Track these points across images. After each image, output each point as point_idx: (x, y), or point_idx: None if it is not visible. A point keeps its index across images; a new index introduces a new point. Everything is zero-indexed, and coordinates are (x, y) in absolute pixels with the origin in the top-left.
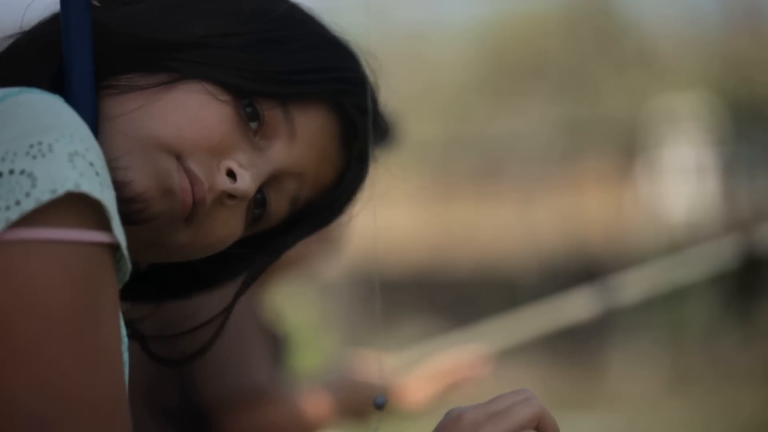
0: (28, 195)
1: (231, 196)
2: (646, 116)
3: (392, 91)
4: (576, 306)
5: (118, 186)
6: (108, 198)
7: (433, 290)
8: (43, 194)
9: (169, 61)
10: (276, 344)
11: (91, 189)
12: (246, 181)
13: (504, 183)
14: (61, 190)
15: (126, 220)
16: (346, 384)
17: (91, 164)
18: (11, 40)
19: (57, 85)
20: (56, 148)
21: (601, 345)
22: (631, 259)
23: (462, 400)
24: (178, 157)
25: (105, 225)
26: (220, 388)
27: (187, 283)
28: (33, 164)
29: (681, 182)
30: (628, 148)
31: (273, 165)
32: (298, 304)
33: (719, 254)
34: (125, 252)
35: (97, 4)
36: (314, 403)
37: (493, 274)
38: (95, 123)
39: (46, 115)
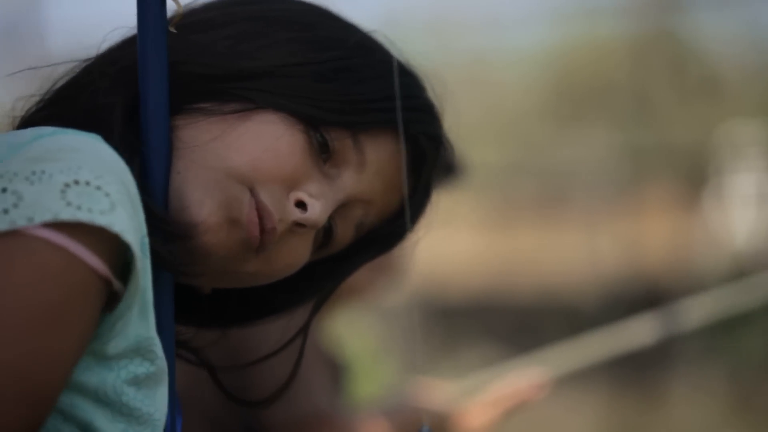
0: (5, 212)
1: (301, 224)
2: (711, 144)
3: (455, 116)
4: (637, 332)
5: (186, 213)
6: (123, 226)
7: (494, 317)
8: (19, 219)
9: (243, 90)
10: (336, 371)
11: (85, 217)
12: (316, 211)
13: (566, 210)
14: (37, 220)
15: (191, 250)
16: (405, 411)
17: (99, 188)
18: (84, 65)
19: (130, 112)
20: (55, 177)
21: (663, 373)
22: (693, 287)
23: (521, 425)
24: (251, 189)
25: (100, 251)
26: (281, 414)
27: (253, 309)
28: (26, 187)
29: (745, 209)
30: (691, 176)
31: (343, 194)
32: (357, 331)
33: None
34: (116, 285)
35: (173, 30)
36: (373, 430)
37: (554, 301)
38: (169, 151)
39: (66, 148)
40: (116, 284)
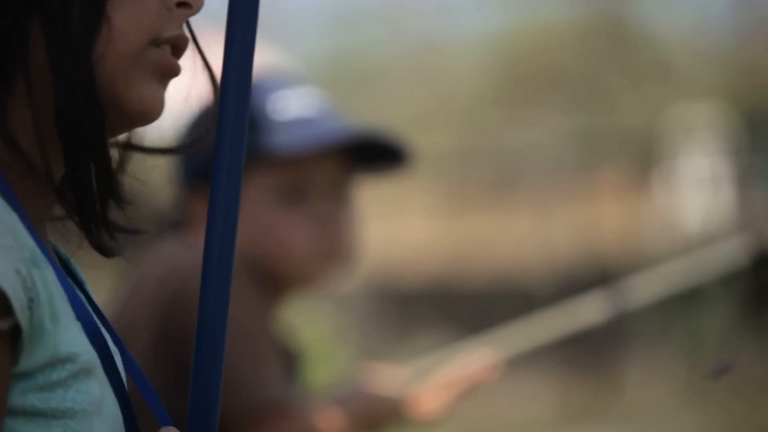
0: None
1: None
2: (662, 126)
3: (407, 103)
4: (589, 310)
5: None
6: (9, 284)
7: (448, 301)
8: None
9: None
10: (290, 360)
11: None
12: None
13: (519, 194)
14: None
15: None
16: (361, 398)
17: None
18: None
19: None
20: None
21: (618, 354)
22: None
23: (476, 408)
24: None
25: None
26: (235, 405)
27: None
28: None
29: (696, 192)
30: (643, 159)
31: None
32: (311, 318)
33: (732, 254)
34: (19, 320)
35: None
36: (329, 418)
37: (509, 285)
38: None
39: None
40: (18, 319)
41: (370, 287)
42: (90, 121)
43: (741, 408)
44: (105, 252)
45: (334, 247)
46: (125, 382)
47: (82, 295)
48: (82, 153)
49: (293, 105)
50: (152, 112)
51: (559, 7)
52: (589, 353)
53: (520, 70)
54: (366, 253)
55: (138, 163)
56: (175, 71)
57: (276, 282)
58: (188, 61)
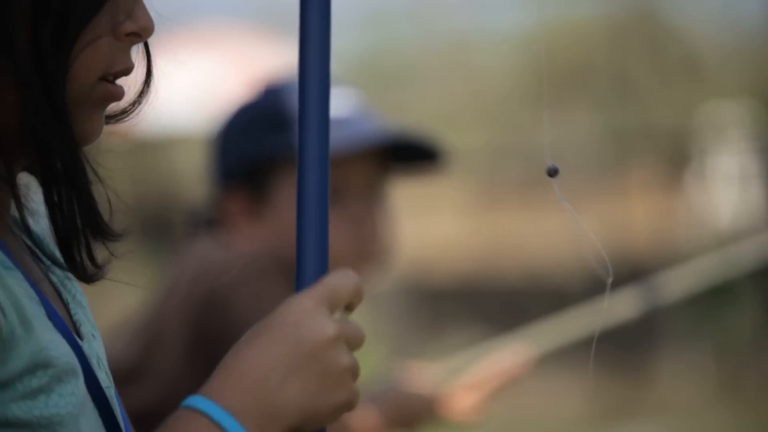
0: None
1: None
2: (692, 125)
3: (438, 101)
4: (621, 306)
5: None
6: None
7: (480, 299)
8: None
9: None
10: None
11: None
12: (144, 17)
13: (550, 192)
14: None
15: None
16: (395, 396)
17: None
18: None
19: None
20: None
21: (648, 353)
22: (677, 266)
23: (508, 405)
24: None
25: None
26: None
27: None
28: None
29: (726, 190)
30: (673, 157)
31: None
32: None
33: (762, 250)
34: None
35: None
36: (363, 417)
37: (540, 282)
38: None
39: None
40: None
41: (402, 285)
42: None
43: None
44: (85, 277)
45: (369, 247)
46: (102, 382)
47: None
48: (55, 169)
49: None
50: (91, 140)
51: (589, 5)
52: (621, 350)
53: (550, 67)
54: (399, 249)
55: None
56: (117, 98)
57: None
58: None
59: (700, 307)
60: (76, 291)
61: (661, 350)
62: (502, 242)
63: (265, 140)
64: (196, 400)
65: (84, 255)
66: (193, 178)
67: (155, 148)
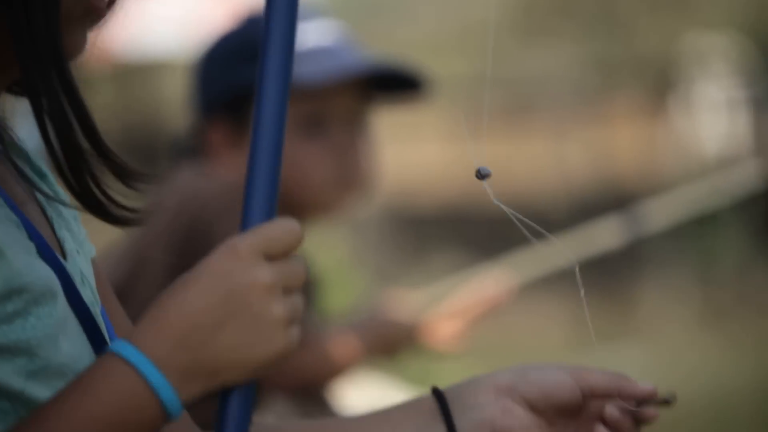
0: None
1: None
2: (677, 52)
3: (421, 29)
4: (605, 233)
5: None
6: None
7: (464, 226)
8: None
9: None
10: (305, 286)
11: None
12: None
13: (535, 120)
14: None
15: None
16: (377, 324)
17: None
18: None
19: None
20: None
21: (632, 280)
22: (661, 193)
23: (490, 332)
24: None
25: None
26: None
27: None
28: None
29: (711, 118)
30: (658, 85)
31: None
32: (327, 244)
33: (747, 178)
34: None
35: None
36: (345, 345)
37: (523, 209)
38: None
39: None
40: None
41: (385, 212)
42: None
43: (755, 331)
44: (95, 208)
45: (351, 176)
46: (87, 299)
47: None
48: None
49: (311, 36)
50: (74, 55)
51: None
52: (605, 278)
53: None
54: (382, 178)
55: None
56: (100, 13)
57: (293, 210)
58: None
59: (685, 236)
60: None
61: (645, 278)
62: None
63: (246, 70)
64: (120, 346)
65: (89, 179)
66: (177, 105)
67: (139, 75)
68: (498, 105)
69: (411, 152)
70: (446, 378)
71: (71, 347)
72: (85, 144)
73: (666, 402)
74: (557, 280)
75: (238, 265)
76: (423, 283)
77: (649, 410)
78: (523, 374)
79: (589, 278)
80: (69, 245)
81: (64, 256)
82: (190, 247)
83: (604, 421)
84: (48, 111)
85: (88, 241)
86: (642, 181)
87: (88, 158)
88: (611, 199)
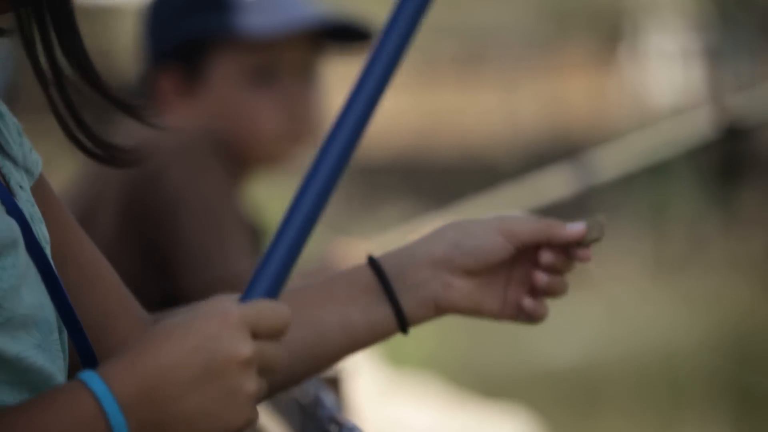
0: None
1: None
2: (630, 3)
3: None
4: (555, 183)
5: None
6: None
7: (415, 175)
8: None
9: None
10: (256, 235)
11: None
12: None
13: (487, 70)
14: None
15: None
16: (325, 272)
17: None
18: None
19: None
20: None
21: None
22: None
23: None
24: None
25: None
26: (200, 278)
27: None
28: None
29: (663, 69)
30: (610, 36)
31: None
32: (277, 193)
33: (698, 127)
34: None
35: None
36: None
37: (475, 159)
38: None
39: None
40: None
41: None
42: None
43: (707, 284)
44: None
45: (301, 127)
46: (45, 250)
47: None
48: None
49: None
50: None
51: None
52: None
53: None
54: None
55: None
56: None
57: (243, 160)
58: None
59: (637, 187)
60: (3, 140)
61: None
62: (438, 119)
63: (199, 19)
64: (92, 378)
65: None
66: (128, 52)
67: (90, 20)
68: (449, 55)
69: None
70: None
71: (32, 297)
72: (82, 81)
73: (597, 238)
74: None
75: (225, 332)
76: (374, 233)
77: (583, 251)
78: (458, 245)
79: None
80: (14, 180)
81: (13, 194)
82: (138, 195)
83: (542, 267)
84: (43, 46)
85: (34, 152)
86: (593, 131)
87: (77, 101)
88: (562, 149)
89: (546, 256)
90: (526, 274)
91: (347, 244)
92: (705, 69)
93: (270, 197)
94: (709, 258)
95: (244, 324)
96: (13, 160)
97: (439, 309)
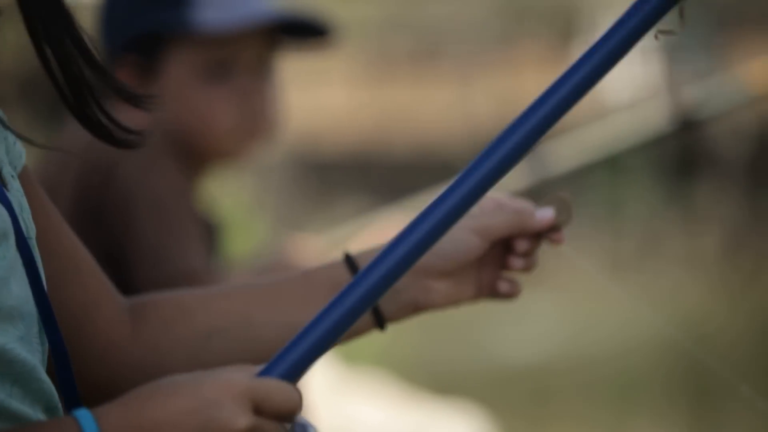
0: None
1: None
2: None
3: None
4: (509, 176)
5: None
6: None
7: (369, 171)
8: None
9: None
10: (210, 231)
11: None
12: None
13: (441, 65)
14: None
15: None
16: (279, 268)
17: None
18: None
19: None
20: None
21: None
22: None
23: None
24: None
25: None
26: (154, 275)
27: None
28: None
29: (622, 64)
30: (566, 31)
31: None
32: (231, 189)
33: (652, 120)
34: None
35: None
36: None
37: (430, 154)
38: None
39: None
40: None
41: (290, 157)
42: None
43: (664, 281)
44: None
45: (256, 123)
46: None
47: None
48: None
49: None
50: None
51: None
52: None
53: None
54: (287, 122)
55: None
56: None
57: (197, 156)
58: None
59: (592, 182)
60: None
61: None
62: (392, 114)
63: (154, 14)
64: (85, 419)
65: (92, 102)
66: None
67: None
68: (404, 51)
69: (317, 98)
70: None
71: (19, 288)
72: (85, 68)
73: (566, 220)
74: None
75: (227, 401)
76: (327, 229)
77: (556, 235)
78: (435, 250)
79: None
80: (6, 170)
81: (5, 185)
82: (92, 191)
83: (516, 253)
84: (46, 37)
85: (18, 145)
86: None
87: (89, 82)
88: None
89: (521, 245)
90: (497, 257)
91: (301, 240)
92: (663, 65)
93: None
94: (664, 254)
95: (248, 397)
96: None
97: (418, 310)
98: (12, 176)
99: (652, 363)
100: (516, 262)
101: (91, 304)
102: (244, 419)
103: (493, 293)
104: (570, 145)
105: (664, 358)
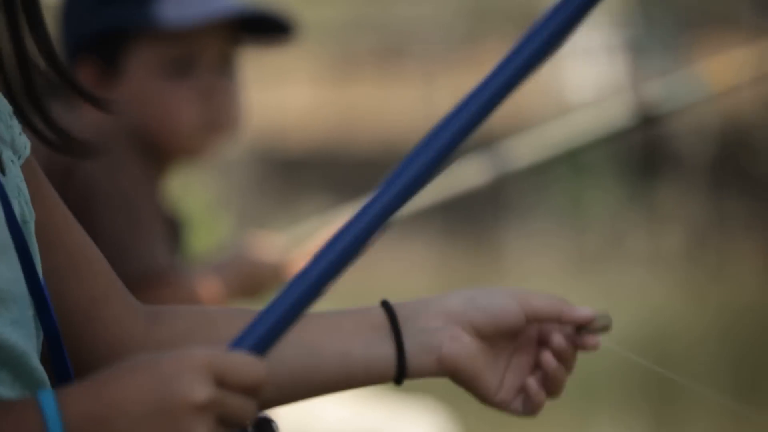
0: None
1: None
2: None
3: None
4: (469, 172)
5: None
6: None
7: (333, 169)
8: None
9: None
10: (173, 227)
11: None
12: None
13: (406, 64)
14: None
15: None
16: (242, 264)
17: None
18: None
19: None
20: None
21: (497, 224)
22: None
23: (354, 273)
24: None
25: None
26: (118, 272)
27: None
28: None
29: (587, 63)
30: (526, 29)
31: None
32: (194, 186)
33: (614, 117)
34: None
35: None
36: (210, 285)
37: (394, 152)
38: None
39: None
40: None
41: (254, 154)
42: None
43: (626, 279)
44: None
45: (219, 119)
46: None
47: None
48: None
49: None
50: None
51: None
52: (472, 223)
53: None
54: (251, 120)
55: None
56: None
57: (160, 153)
58: None
59: (554, 180)
60: None
61: (509, 219)
62: (357, 113)
63: (116, 10)
64: (47, 398)
65: (42, 103)
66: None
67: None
68: (368, 49)
69: (280, 95)
70: None
71: (9, 271)
72: (42, 64)
73: (604, 328)
74: (424, 223)
75: (185, 374)
76: (290, 227)
77: (591, 338)
78: (473, 301)
79: (454, 220)
80: (6, 155)
81: (3, 170)
82: (55, 185)
83: (551, 349)
84: (7, 27)
85: (23, 136)
86: (512, 126)
87: (40, 91)
88: (481, 143)
89: (557, 338)
90: (526, 364)
91: (262, 237)
92: (627, 64)
93: (187, 189)
94: (628, 252)
95: (207, 370)
96: (3, 140)
97: (441, 362)
98: (12, 161)
99: (613, 363)
100: (549, 359)
101: (98, 300)
102: (204, 392)
103: (514, 398)
104: (532, 142)
105: (625, 358)
